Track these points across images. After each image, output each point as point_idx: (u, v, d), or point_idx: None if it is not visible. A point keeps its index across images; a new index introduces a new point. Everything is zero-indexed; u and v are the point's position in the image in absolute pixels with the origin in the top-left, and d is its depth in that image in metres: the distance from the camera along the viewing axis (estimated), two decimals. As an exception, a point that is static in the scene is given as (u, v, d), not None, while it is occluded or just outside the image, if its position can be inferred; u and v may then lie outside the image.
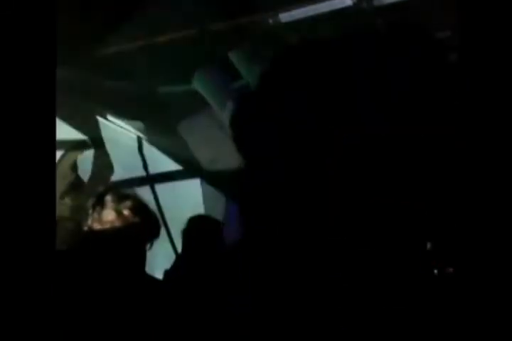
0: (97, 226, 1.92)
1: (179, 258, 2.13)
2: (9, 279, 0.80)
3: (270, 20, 3.65)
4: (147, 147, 3.35)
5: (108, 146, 3.48)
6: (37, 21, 0.79)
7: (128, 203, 2.00)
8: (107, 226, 1.92)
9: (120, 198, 2.02)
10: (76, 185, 3.22)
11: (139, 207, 2.04)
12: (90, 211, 1.96)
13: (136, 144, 3.38)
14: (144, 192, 3.12)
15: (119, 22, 3.23)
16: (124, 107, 3.31)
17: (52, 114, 0.83)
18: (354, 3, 3.42)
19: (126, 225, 1.93)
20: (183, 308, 1.77)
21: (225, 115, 3.27)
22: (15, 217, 0.79)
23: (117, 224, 1.89)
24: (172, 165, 3.37)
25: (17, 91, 0.79)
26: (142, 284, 1.86)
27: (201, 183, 3.28)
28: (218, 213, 3.27)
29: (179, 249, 2.25)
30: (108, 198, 2.01)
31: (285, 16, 3.74)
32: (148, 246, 1.99)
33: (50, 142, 0.81)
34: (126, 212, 1.96)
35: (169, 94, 3.31)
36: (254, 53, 3.47)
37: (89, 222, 1.95)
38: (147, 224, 2.03)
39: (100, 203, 2.01)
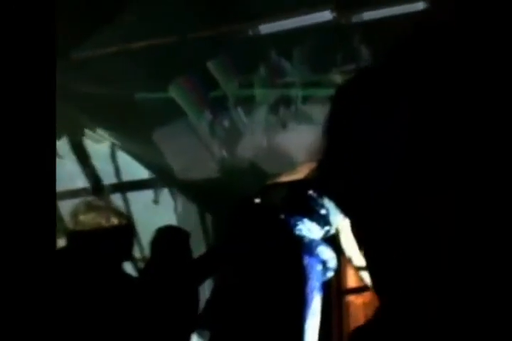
0: (74, 235, 1.89)
1: (146, 269, 2.10)
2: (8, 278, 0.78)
3: (250, 32, 3.67)
4: (120, 154, 3.31)
5: (81, 152, 3.44)
6: (37, 21, 0.78)
7: (103, 214, 1.97)
8: (84, 234, 1.89)
9: (93, 208, 1.98)
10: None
11: (113, 217, 2.01)
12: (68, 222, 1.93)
13: (109, 151, 3.34)
14: (116, 200, 3.08)
15: (97, 26, 3.21)
16: (98, 113, 3.28)
17: (53, 114, 0.82)
18: (334, 18, 3.48)
19: (102, 235, 1.90)
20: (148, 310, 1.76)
21: (202, 124, 3.27)
22: (15, 218, 0.78)
23: (94, 233, 1.86)
24: (145, 173, 3.34)
25: (17, 91, 0.77)
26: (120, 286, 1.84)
27: (174, 192, 3.26)
28: (190, 222, 3.25)
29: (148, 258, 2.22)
30: (81, 208, 1.97)
31: (265, 28, 3.77)
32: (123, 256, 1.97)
33: (50, 141, 0.79)
34: (101, 222, 1.93)
35: (145, 102, 3.29)
36: (233, 64, 3.48)
37: (67, 231, 1.92)
38: (122, 234, 2.00)
39: (75, 214, 1.97)
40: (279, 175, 2.46)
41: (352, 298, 2.26)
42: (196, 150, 3.25)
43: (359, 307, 2.23)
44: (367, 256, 0.90)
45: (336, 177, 0.86)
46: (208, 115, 3.33)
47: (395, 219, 0.63)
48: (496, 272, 0.47)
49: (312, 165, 1.78)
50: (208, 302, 1.89)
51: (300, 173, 1.97)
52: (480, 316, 0.48)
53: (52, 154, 0.80)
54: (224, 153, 3.31)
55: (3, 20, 0.76)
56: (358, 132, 0.77)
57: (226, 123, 3.36)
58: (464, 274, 0.49)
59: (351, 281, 2.32)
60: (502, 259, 0.46)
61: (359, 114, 0.79)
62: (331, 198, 1.66)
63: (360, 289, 2.24)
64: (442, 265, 0.51)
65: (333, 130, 0.94)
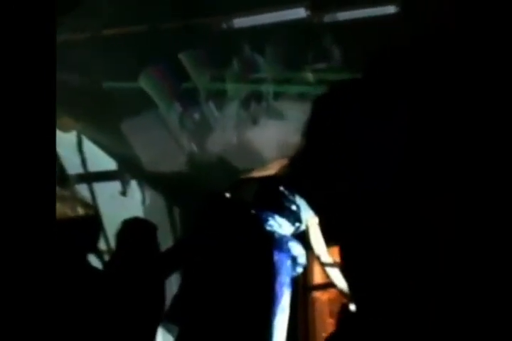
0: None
1: (112, 261, 2.06)
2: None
3: (224, 25, 3.64)
4: (87, 144, 3.23)
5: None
6: (36, 20, 0.76)
7: (68, 204, 1.91)
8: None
9: (58, 198, 1.93)
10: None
11: (79, 208, 1.96)
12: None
13: (76, 140, 3.25)
14: (81, 190, 3.00)
15: (67, 11, 3.11)
16: (65, 100, 3.18)
17: (53, 113, 0.80)
18: (308, 16, 3.48)
19: (66, 225, 1.85)
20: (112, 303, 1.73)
21: (172, 117, 3.22)
22: (15, 214, 0.76)
23: (58, 223, 1.81)
24: (112, 164, 3.27)
25: (17, 90, 0.75)
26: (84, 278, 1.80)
27: (141, 184, 3.20)
28: (157, 215, 3.20)
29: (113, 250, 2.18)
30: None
31: (239, 22, 3.74)
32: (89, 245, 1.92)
33: (50, 140, 0.78)
34: (66, 212, 1.87)
35: (114, 91, 3.21)
36: (206, 57, 3.44)
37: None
38: (88, 225, 1.95)
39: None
40: (250, 170, 2.46)
41: (318, 294, 2.29)
42: (165, 142, 3.20)
43: (324, 303, 2.25)
44: (343, 253, 0.90)
45: (314, 176, 0.86)
46: (178, 107, 3.29)
47: (392, 219, 0.63)
48: (494, 273, 0.48)
49: (284, 161, 1.78)
50: (176, 295, 1.87)
51: (272, 169, 1.97)
52: (477, 316, 0.49)
53: (52, 153, 0.78)
54: (193, 146, 3.28)
55: (3, 20, 0.74)
56: (351, 133, 0.77)
57: (196, 116, 3.32)
58: (462, 275, 0.49)
59: (317, 278, 2.34)
60: (500, 260, 0.47)
61: (352, 116, 0.79)
62: (304, 196, 1.67)
63: (326, 285, 2.26)
64: (440, 264, 0.51)
65: (318, 131, 0.94)
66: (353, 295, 0.78)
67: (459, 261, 0.49)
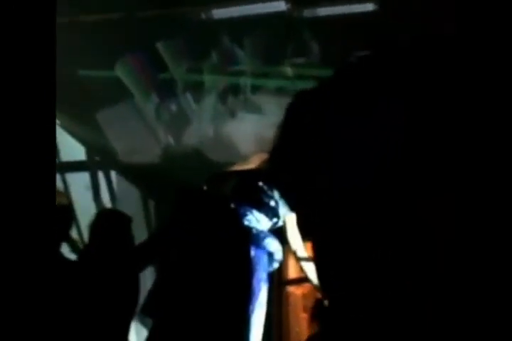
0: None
1: (85, 253, 2.03)
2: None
3: (203, 15, 3.59)
4: (61, 133, 3.15)
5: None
6: (36, 19, 0.74)
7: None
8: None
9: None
10: None
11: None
12: None
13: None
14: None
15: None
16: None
17: (53, 112, 0.78)
18: (288, 9, 3.47)
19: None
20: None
21: (148, 107, 3.17)
22: (15, 214, 0.74)
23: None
24: (87, 155, 3.21)
25: (17, 88, 0.73)
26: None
27: (116, 175, 3.16)
28: (131, 207, 3.16)
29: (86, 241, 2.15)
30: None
31: (218, 13, 3.70)
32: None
33: (50, 138, 0.76)
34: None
35: (90, 79, 3.14)
36: (184, 47, 3.40)
37: None
38: (59, 214, 1.91)
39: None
40: (226, 163, 2.44)
41: (292, 289, 2.30)
42: (141, 134, 3.15)
43: (298, 297, 2.27)
44: (318, 249, 0.91)
45: (291, 172, 0.86)
46: (155, 98, 3.24)
47: (374, 216, 0.63)
48: (493, 273, 0.48)
49: (263, 156, 1.77)
50: (152, 288, 1.85)
51: (251, 164, 1.97)
52: (476, 316, 0.50)
53: (52, 153, 0.76)
54: (169, 138, 3.24)
55: (3, 20, 0.71)
56: (331, 130, 0.76)
57: (173, 107, 3.28)
58: (460, 275, 0.50)
59: (292, 272, 2.36)
60: (499, 261, 0.48)
61: (332, 112, 0.79)
62: (281, 191, 1.67)
63: (300, 280, 2.28)
64: (439, 264, 0.51)
65: (296, 127, 0.93)
66: (328, 293, 0.79)
67: (459, 261, 0.49)
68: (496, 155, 0.51)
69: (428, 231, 0.54)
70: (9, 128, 0.72)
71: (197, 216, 1.91)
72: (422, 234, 0.56)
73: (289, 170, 0.86)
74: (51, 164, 0.76)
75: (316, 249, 0.92)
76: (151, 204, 3.12)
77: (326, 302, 1.70)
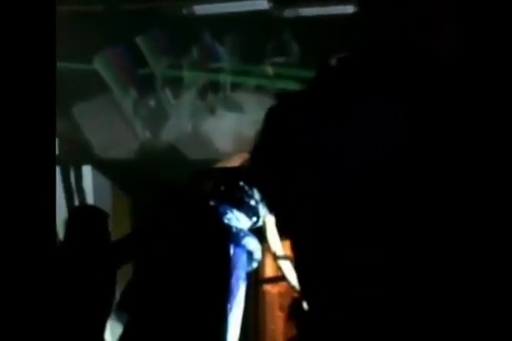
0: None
1: (61, 250, 1.99)
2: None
3: (184, 11, 3.57)
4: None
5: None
6: (36, 17, 0.72)
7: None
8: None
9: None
10: None
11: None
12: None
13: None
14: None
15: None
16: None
17: (53, 112, 0.76)
18: (270, 8, 3.47)
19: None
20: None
21: (126, 102, 3.14)
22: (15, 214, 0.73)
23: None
24: (61, 149, 3.15)
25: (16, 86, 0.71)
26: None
27: (92, 170, 3.11)
28: (107, 203, 3.12)
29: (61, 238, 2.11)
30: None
31: (200, 8, 3.68)
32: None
33: (50, 137, 0.74)
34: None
35: (67, 72, 3.08)
36: (164, 42, 3.37)
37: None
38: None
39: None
40: (205, 161, 2.43)
41: (268, 288, 2.31)
42: (118, 128, 3.11)
43: (275, 296, 2.28)
44: (299, 253, 0.91)
45: (274, 174, 0.86)
46: (133, 93, 3.20)
47: (357, 218, 0.64)
48: (492, 274, 0.49)
49: (245, 156, 1.76)
50: (129, 285, 1.83)
51: (233, 163, 1.96)
52: (476, 317, 0.51)
53: (51, 153, 0.75)
54: (147, 134, 3.21)
55: (3, 19, 0.69)
56: (315, 132, 0.77)
57: (152, 103, 3.25)
58: (459, 276, 0.50)
59: (268, 271, 2.37)
60: (499, 261, 0.48)
61: (315, 115, 0.80)
62: (261, 192, 1.66)
63: (277, 279, 2.29)
64: (438, 266, 0.52)
65: (279, 129, 0.93)
66: (310, 296, 0.79)
67: (458, 263, 0.50)
68: (495, 155, 0.52)
69: (426, 232, 0.54)
70: (8, 126, 0.71)
71: (178, 213, 1.89)
72: (418, 236, 0.57)
73: (272, 173, 0.87)
74: (51, 162, 0.74)
75: (298, 252, 0.92)
76: (127, 199, 3.09)
77: (304, 304, 1.71)
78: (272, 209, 1.59)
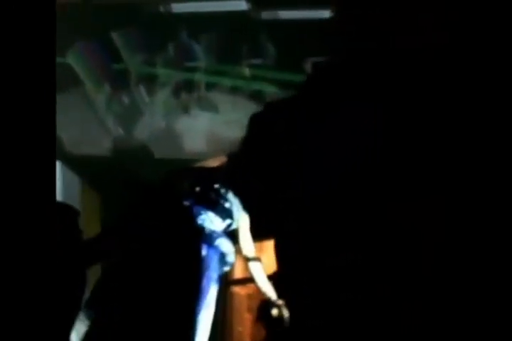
0: None
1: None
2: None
3: (162, 8, 3.54)
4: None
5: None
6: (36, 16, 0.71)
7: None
8: None
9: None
10: None
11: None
12: None
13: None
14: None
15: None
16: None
17: (53, 111, 0.75)
18: (249, 9, 3.48)
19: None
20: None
21: (99, 97, 3.08)
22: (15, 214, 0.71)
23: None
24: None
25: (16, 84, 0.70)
26: None
27: (61, 166, 3.04)
28: (76, 199, 3.07)
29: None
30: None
31: (177, 6, 3.66)
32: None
33: (50, 137, 0.73)
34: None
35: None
36: (140, 38, 3.33)
37: None
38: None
39: None
40: (179, 160, 2.42)
41: (237, 289, 2.32)
42: (90, 124, 3.06)
43: (243, 298, 2.29)
44: (283, 255, 0.92)
45: (259, 179, 0.87)
46: (107, 88, 3.16)
47: (338, 222, 0.66)
48: (480, 275, 0.51)
49: (223, 158, 1.76)
50: (97, 284, 1.80)
51: (210, 165, 1.96)
52: (462, 320, 0.52)
53: (52, 153, 0.74)
54: (120, 131, 3.17)
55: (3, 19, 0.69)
56: (302, 138, 0.78)
57: (125, 99, 3.21)
58: (446, 278, 0.52)
59: (237, 272, 2.37)
60: (485, 262, 0.50)
61: (303, 121, 0.81)
62: (240, 195, 1.67)
63: (246, 280, 2.30)
64: (423, 267, 0.54)
65: (265, 135, 0.95)
66: (293, 299, 0.80)
67: (444, 264, 0.51)
68: (481, 156, 0.55)
69: (412, 233, 0.57)
70: (7, 124, 0.70)
71: (150, 212, 1.88)
72: (405, 237, 0.59)
73: (258, 178, 0.88)
74: (51, 160, 0.74)
75: (283, 256, 0.94)
76: (96, 196, 3.04)
77: (274, 309, 1.73)
78: (250, 213, 1.61)
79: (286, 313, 1.99)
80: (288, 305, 0.89)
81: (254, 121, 0.90)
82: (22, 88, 0.71)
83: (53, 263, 1.15)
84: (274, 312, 2.01)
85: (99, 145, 3.07)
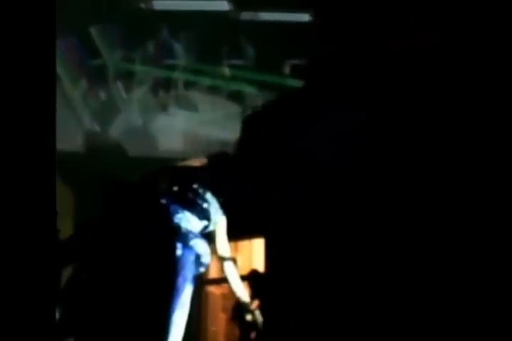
0: None
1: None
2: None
3: (143, 5, 3.50)
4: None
5: None
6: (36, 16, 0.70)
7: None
8: None
9: None
10: None
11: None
12: None
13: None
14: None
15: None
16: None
17: (53, 111, 0.74)
18: (230, 10, 3.47)
19: None
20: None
21: (76, 93, 3.03)
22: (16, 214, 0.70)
23: None
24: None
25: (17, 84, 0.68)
26: None
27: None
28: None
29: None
30: None
31: (159, 4, 3.62)
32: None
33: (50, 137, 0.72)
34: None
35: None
36: (120, 35, 3.28)
37: None
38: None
39: None
40: (155, 158, 2.40)
41: (212, 289, 2.32)
42: (65, 119, 3.01)
43: (218, 297, 2.29)
44: (267, 258, 0.93)
45: (241, 180, 0.88)
46: (83, 83, 3.11)
47: (339, 225, 0.66)
48: (470, 278, 0.52)
49: (203, 160, 1.76)
50: (69, 282, 1.78)
51: (190, 165, 1.95)
52: (453, 324, 0.54)
53: (52, 153, 0.73)
54: (95, 127, 3.12)
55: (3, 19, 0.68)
56: (285, 142, 0.79)
57: (102, 95, 3.16)
58: (436, 281, 0.53)
59: (212, 272, 2.37)
60: (476, 265, 0.52)
61: (287, 127, 0.82)
62: (219, 196, 1.67)
63: (221, 280, 2.29)
64: (412, 270, 0.55)
65: (252, 140, 0.96)
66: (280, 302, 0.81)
67: (434, 267, 0.51)
68: (471, 161, 0.57)
69: (402, 237, 0.58)
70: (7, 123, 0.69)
71: (127, 210, 1.86)
72: (394, 241, 0.60)
73: (243, 181, 0.89)
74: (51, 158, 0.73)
75: (267, 259, 0.94)
76: (70, 193, 2.99)
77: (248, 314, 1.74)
78: (228, 214, 1.61)
79: (260, 318, 2.00)
80: (266, 307, 0.89)
81: (244, 124, 0.90)
82: (22, 88, 0.70)
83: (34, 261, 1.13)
84: (249, 317, 2.01)
85: (74, 142, 3.02)
